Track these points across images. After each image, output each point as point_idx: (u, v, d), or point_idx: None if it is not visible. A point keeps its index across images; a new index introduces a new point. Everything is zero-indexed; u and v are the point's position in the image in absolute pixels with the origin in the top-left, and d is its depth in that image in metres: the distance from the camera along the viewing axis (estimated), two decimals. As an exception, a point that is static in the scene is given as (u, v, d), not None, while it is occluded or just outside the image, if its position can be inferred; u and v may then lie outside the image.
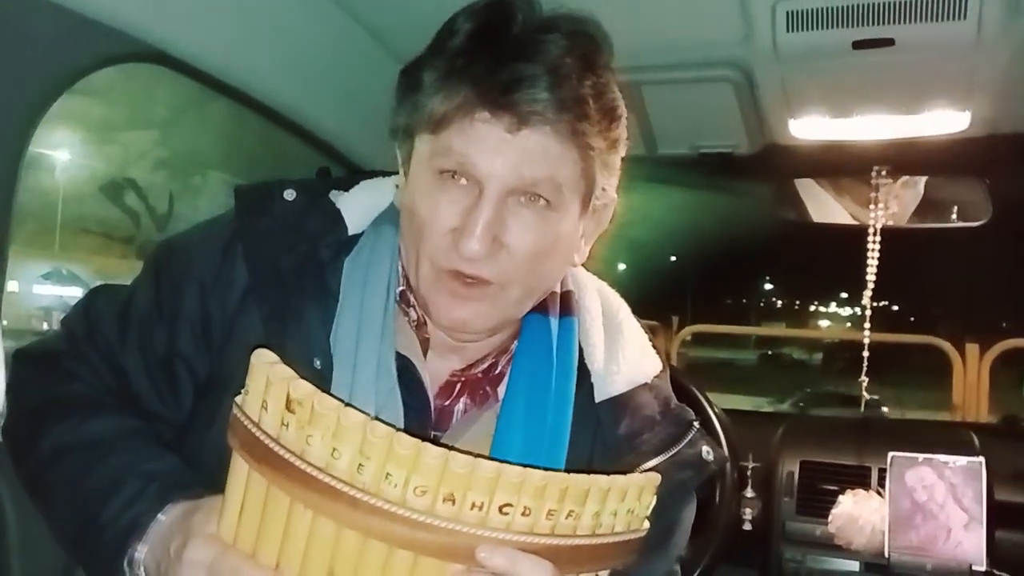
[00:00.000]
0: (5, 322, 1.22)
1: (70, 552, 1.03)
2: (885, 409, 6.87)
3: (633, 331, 1.15)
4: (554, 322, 1.08)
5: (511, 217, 0.96)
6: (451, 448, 0.78)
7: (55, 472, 1.03)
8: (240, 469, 0.83)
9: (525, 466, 0.78)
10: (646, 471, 1.02)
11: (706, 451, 1.09)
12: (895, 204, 2.45)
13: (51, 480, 1.03)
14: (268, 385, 0.80)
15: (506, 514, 0.77)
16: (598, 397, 1.08)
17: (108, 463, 0.99)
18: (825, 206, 2.56)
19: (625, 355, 1.10)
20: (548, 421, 1.02)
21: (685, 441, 1.08)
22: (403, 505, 0.76)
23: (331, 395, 0.81)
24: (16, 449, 1.09)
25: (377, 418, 0.79)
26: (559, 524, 0.79)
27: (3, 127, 1.16)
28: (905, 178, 2.43)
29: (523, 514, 0.78)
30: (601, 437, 1.06)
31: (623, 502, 0.83)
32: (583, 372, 1.08)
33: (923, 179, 2.46)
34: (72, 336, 1.13)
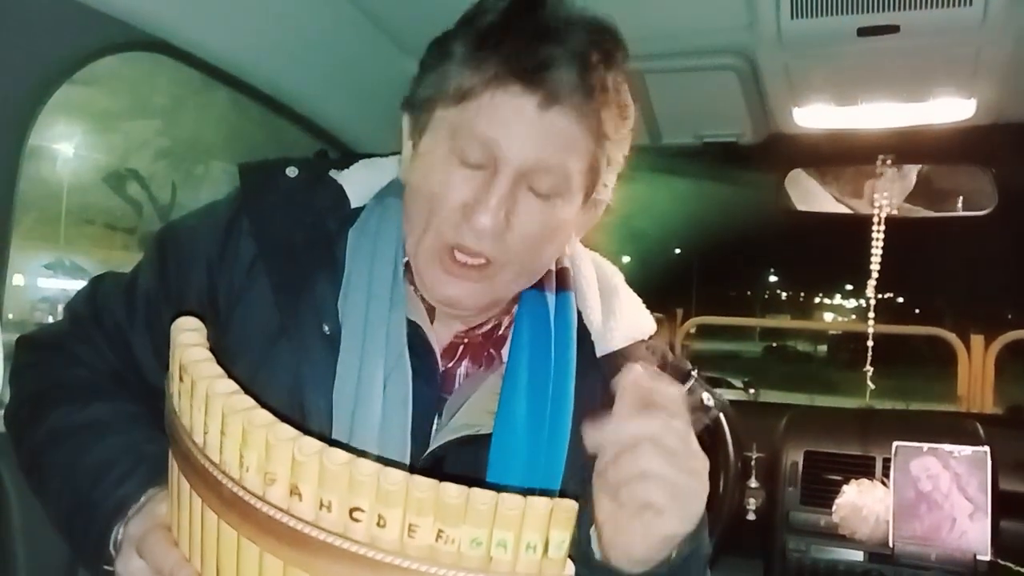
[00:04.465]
0: (10, 315, 1.23)
1: (63, 533, 1.04)
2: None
3: (627, 293, 1.20)
4: (551, 297, 1.11)
5: (521, 199, 0.99)
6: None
7: (52, 453, 1.04)
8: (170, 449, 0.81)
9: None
10: None
11: (707, 397, 1.12)
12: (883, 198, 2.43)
13: (48, 461, 1.05)
14: (173, 351, 0.79)
15: (357, 520, 0.67)
16: (599, 352, 1.11)
17: (104, 443, 1.01)
18: (825, 196, 2.54)
19: (622, 312, 1.14)
20: (551, 386, 1.04)
21: (685, 389, 1.10)
22: (263, 499, 0.69)
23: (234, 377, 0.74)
24: (16, 433, 1.10)
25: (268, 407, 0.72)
26: (419, 546, 0.66)
27: (4, 117, 1.16)
28: (893, 169, 2.41)
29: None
30: (605, 390, 1.08)
31: (513, 532, 0.67)
32: (583, 332, 1.12)
33: (913, 170, 2.44)
34: (77, 319, 1.15)
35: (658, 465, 0.80)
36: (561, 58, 0.95)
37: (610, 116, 1.00)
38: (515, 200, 0.98)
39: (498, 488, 0.68)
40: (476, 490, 0.67)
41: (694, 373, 1.13)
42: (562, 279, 1.14)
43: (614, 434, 0.82)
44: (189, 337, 0.78)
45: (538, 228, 1.00)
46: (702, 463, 0.86)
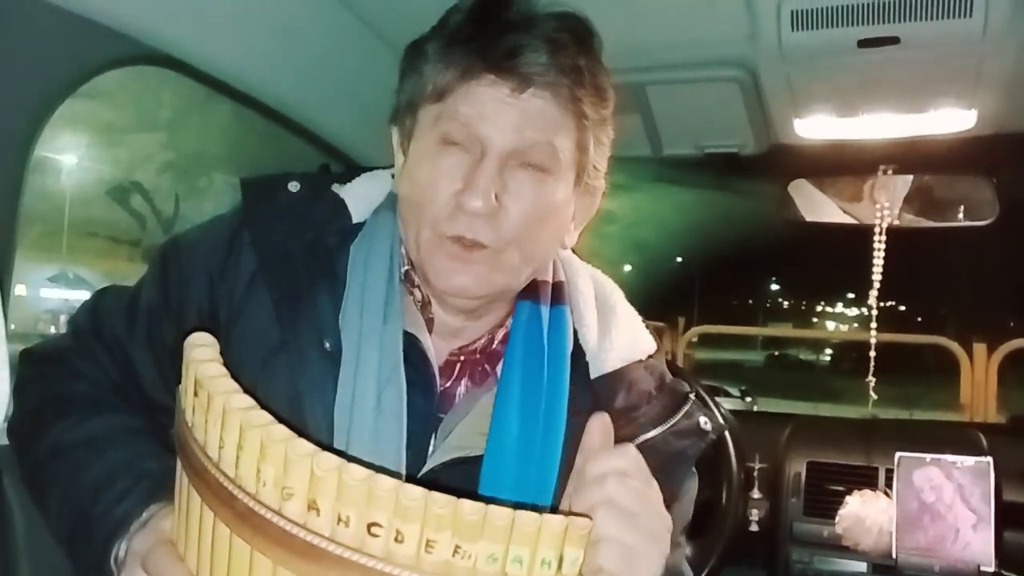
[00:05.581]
0: (13, 326, 1.23)
1: (64, 548, 1.04)
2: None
3: (626, 312, 1.18)
4: (545, 310, 1.10)
5: (511, 179, 0.99)
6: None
7: (53, 468, 1.04)
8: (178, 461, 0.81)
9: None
10: (644, 443, 1.03)
11: (704, 421, 1.11)
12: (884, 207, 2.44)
13: (49, 476, 1.05)
14: (186, 367, 0.79)
15: (375, 535, 0.67)
16: (593, 374, 1.09)
17: (104, 459, 1.01)
18: (828, 205, 2.55)
19: (618, 332, 1.13)
20: (543, 404, 1.04)
21: (682, 413, 1.10)
22: (279, 513, 0.69)
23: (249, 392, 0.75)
24: (18, 447, 1.10)
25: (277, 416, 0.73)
26: (436, 561, 0.67)
27: (9, 130, 1.16)
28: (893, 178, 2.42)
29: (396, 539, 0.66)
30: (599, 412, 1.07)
31: (529, 548, 0.68)
32: (578, 352, 1.11)
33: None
34: (78, 333, 1.15)
35: (612, 529, 0.80)
36: (531, 44, 0.98)
37: (587, 95, 1.01)
38: (504, 181, 0.99)
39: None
40: (493, 507, 0.67)
41: (691, 396, 1.12)
42: (557, 292, 1.13)
43: (574, 498, 0.83)
44: (203, 352, 0.79)
45: (532, 207, 1.00)
46: (661, 523, 0.85)
